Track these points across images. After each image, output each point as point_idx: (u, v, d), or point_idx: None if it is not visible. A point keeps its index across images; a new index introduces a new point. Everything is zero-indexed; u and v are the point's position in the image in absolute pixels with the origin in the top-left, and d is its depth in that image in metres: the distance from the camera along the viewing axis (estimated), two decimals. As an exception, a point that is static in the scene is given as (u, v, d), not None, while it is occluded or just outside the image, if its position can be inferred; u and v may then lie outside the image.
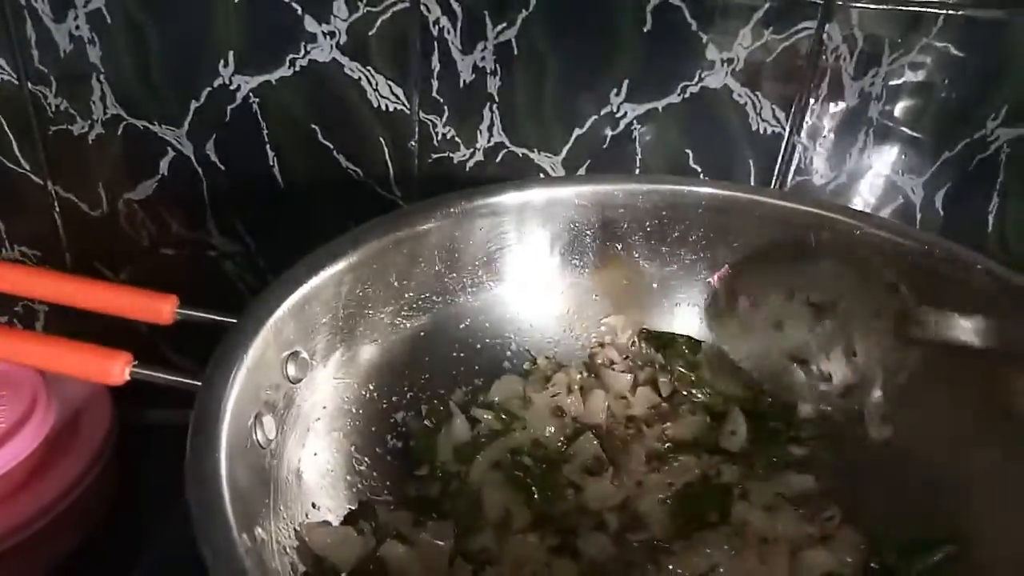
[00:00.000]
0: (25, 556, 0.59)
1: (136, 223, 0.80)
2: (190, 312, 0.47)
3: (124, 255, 0.82)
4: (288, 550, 0.42)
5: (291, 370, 0.47)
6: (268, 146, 0.77)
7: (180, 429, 0.60)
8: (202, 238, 0.82)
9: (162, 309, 0.46)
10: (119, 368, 0.41)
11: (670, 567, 0.46)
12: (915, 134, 0.74)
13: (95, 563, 0.63)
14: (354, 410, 0.52)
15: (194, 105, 0.74)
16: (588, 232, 0.61)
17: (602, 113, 0.73)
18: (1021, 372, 0.48)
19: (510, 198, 0.58)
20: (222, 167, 0.78)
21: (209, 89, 0.73)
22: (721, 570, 0.45)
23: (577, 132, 0.74)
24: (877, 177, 0.75)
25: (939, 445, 0.50)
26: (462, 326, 0.59)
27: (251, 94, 0.73)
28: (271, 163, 0.77)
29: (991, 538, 0.46)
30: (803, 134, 0.73)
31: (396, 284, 0.55)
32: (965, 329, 0.51)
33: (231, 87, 0.73)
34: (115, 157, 0.77)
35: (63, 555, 0.62)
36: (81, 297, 0.45)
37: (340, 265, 0.50)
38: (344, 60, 0.71)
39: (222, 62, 0.72)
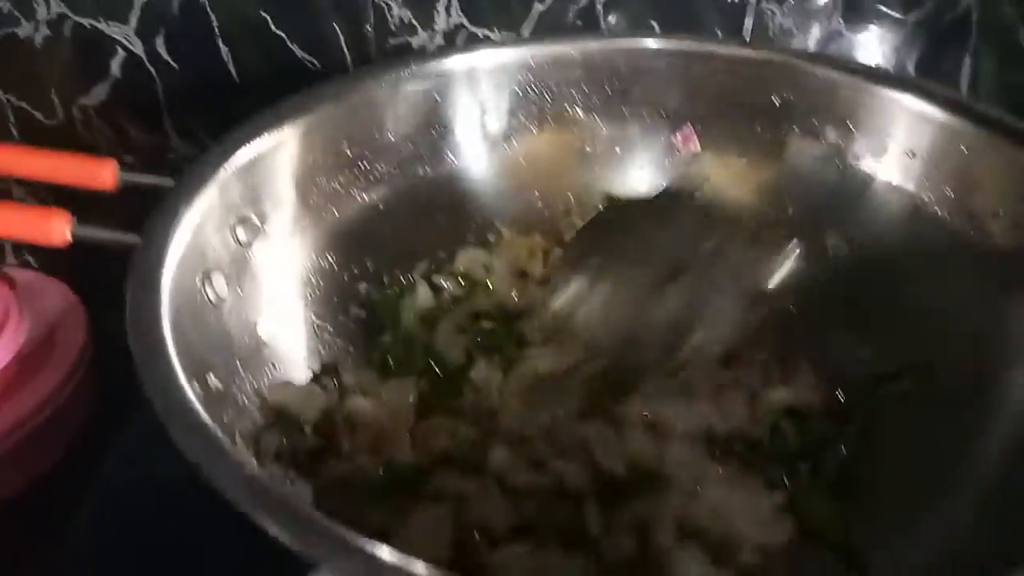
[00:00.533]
0: (3, 470, 0.59)
1: (93, 130, 0.78)
2: (133, 177, 0.46)
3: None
4: (248, 404, 0.42)
5: (241, 233, 0.46)
6: (220, 40, 0.74)
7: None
8: (161, 142, 0.80)
9: (103, 173, 0.45)
10: (60, 227, 0.41)
11: (636, 410, 0.46)
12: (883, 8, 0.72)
13: (76, 476, 0.63)
14: (313, 280, 0.52)
15: (139, 0, 0.72)
16: (547, 96, 0.60)
17: (565, -14, 0.71)
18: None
19: (461, 60, 0.57)
20: (175, 65, 0.76)
21: (153, -19, 0.70)
22: (676, 416, 0.45)
23: (539, 8, 0.72)
24: (847, 43, 0.73)
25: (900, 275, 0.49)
26: (422, 199, 0.58)
27: (197, -16, 0.71)
28: (225, 59, 0.76)
29: (953, 364, 0.46)
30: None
31: (349, 153, 0.54)
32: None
33: (175, -22, 0.71)
34: (64, 60, 0.75)
35: (43, 468, 0.63)
36: (21, 165, 0.44)
37: (286, 128, 0.49)
38: (293, -57, 0.68)
39: (164, -49, 0.69)
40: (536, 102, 0.60)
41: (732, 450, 0.45)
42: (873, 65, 0.69)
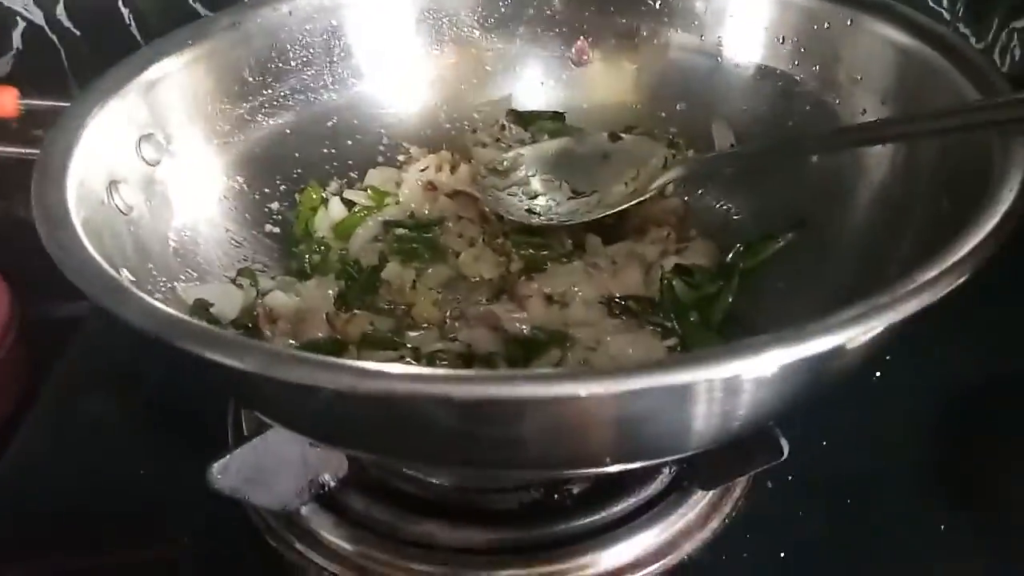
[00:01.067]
0: None
1: None
2: (34, 102, 0.48)
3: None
4: (163, 300, 0.44)
5: (146, 150, 0.49)
6: (121, 3, 0.76)
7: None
8: (71, 109, 0.81)
9: (3, 101, 0.46)
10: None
11: (534, 286, 0.49)
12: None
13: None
14: (224, 198, 0.54)
15: (34, -30, 0.72)
16: (444, 19, 0.63)
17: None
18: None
19: (356, -14, 0.60)
20: (77, 32, 0.77)
21: (47, -53, 0.71)
22: (575, 288, 0.49)
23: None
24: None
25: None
26: (329, 123, 0.61)
27: (93, -52, 0.72)
28: (126, 20, 0.77)
29: (832, 224, 0.50)
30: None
31: (250, 79, 0.56)
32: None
33: (71, -60, 0.72)
34: (-36, 34, 0.75)
35: None
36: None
37: (185, 53, 0.52)
38: None
39: (55, -85, 0.70)
40: (433, 24, 0.63)
41: (628, 308, 0.49)
42: None
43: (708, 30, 0.60)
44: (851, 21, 0.52)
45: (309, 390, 0.29)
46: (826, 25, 0.54)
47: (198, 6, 0.77)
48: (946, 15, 0.87)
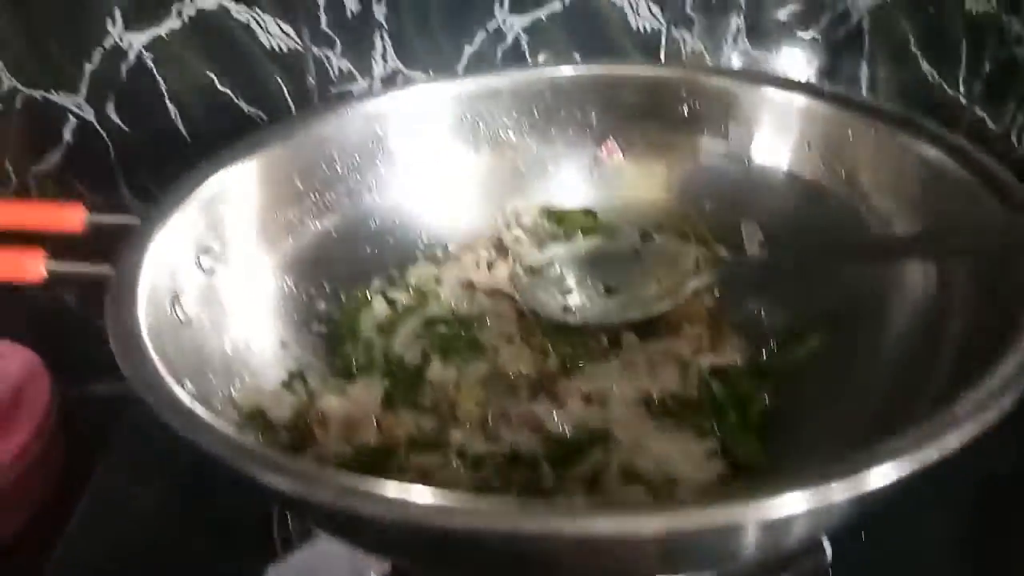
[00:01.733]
0: None
1: (48, 195, 0.83)
2: (100, 217, 0.51)
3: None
4: (221, 408, 0.47)
5: (204, 261, 0.52)
6: (168, 101, 0.80)
7: (126, 400, 0.64)
8: (117, 203, 0.85)
9: (71, 217, 0.50)
10: (34, 263, 0.46)
11: (572, 385, 0.52)
12: (782, 18, 0.81)
13: (45, 539, 0.64)
14: (274, 302, 0.57)
15: (88, 68, 0.77)
16: (480, 123, 0.67)
17: (490, 28, 0.78)
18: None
19: (398, 98, 0.64)
20: (126, 128, 0.81)
21: (101, 50, 0.76)
22: (614, 387, 0.51)
23: (468, 50, 0.80)
24: (752, 62, 0.82)
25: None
26: (372, 224, 0.65)
27: (143, 50, 0.77)
28: (174, 118, 0.81)
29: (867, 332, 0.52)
30: (679, 27, 0.80)
31: (299, 185, 0.60)
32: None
33: (123, 45, 0.76)
34: (16, 130, 0.79)
35: (10, 533, 0.66)
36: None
37: (239, 164, 0.55)
38: (231, 4, 0.75)
39: (109, 21, 0.75)
40: (471, 129, 0.67)
41: (667, 409, 0.51)
42: (762, 71, 0.78)
43: (736, 136, 0.63)
44: (874, 131, 0.55)
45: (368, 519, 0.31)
46: (850, 135, 0.57)
47: (242, 104, 0.81)
48: (963, 99, 0.90)
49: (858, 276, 0.53)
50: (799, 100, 0.60)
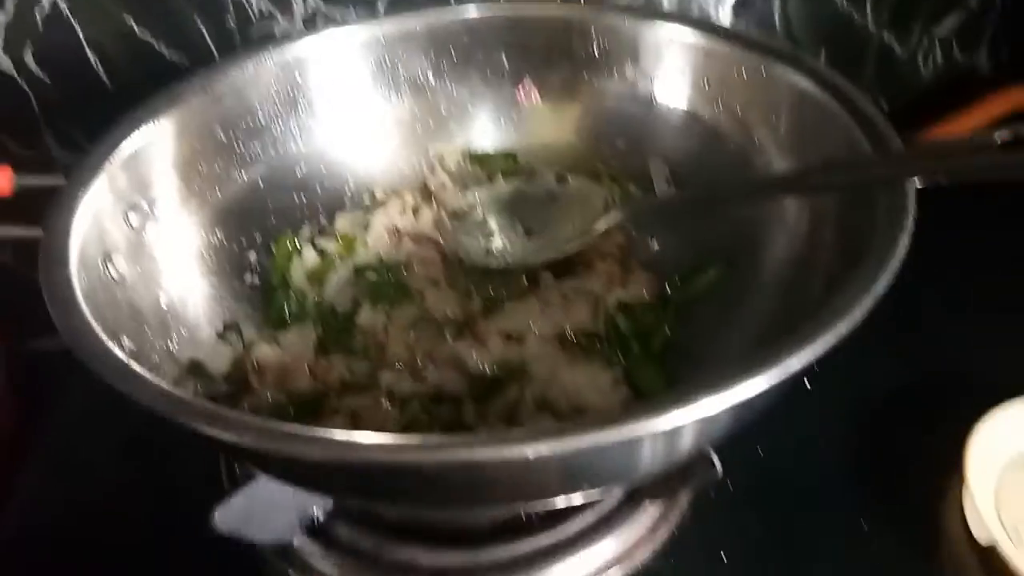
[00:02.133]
0: None
1: (-30, 149, 0.82)
2: (27, 180, 0.52)
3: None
4: (160, 362, 0.50)
5: (132, 219, 0.54)
6: (87, 48, 0.79)
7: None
8: (43, 154, 0.84)
9: (-1, 180, 0.51)
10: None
11: (493, 326, 0.56)
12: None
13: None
14: (205, 254, 0.59)
15: (2, 19, 0.76)
16: (399, 67, 0.68)
17: (414, -39, 0.79)
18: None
19: (317, 42, 0.65)
20: (46, 79, 0.80)
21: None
22: (531, 325, 0.56)
23: (391, -13, 0.80)
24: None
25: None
26: (298, 172, 0.66)
27: (59, -1, 0.76)
28: (95, 65, 0.80)
29: (756, 262, 0.57)
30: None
31: (222, 137, 0.61)
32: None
33: (37, -6, 0.75)
34: (-67, 83, 0.78)
35: None
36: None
37: (161, 120, 0.56)
38: (146, -54, 0.74)
39: (21, -32, 0.73)
40: (390, 73, 0.69)
41: (579, 344, 0.55)
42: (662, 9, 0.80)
43: (640, 76, 0.66)
44: (764, 70, 0.59)
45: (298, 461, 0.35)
46: (744, 72, 0.60)
47: (164, 49, 0.81)
48: (872, 26, 0.94)
49: (747, 212, 0.57)
50: (696, 38, 0.63)
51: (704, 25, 0.63)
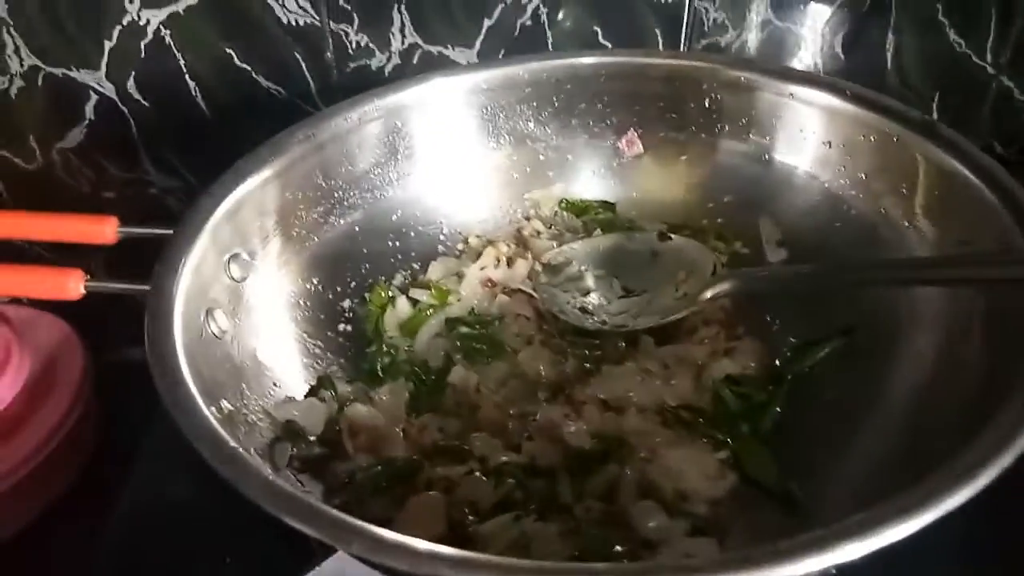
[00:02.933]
0: (13, 503, 0.64)
1: (73, 171, 0.84)
2: (131, 230, 0.52)
3: (67, 204, 0.86)
4: (257, 422, 0.49)
5: (234, 270, 0.53)
6: (187, 76, 0.80)
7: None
8: (140, 177, 0.86)
9: (105, 230, 0.51)
10: (74, 283, 0.47)
11: (589, 392, 0.54)
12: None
13: (86, 503, 0.68)
14: (301, 302, 0.59)
15: (108, 46, 0.77)
16: (500, 114, 0.67)
17: (509, 1, 0.77)
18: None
19: (419, 91, 0.64)
20: (146, 104, 0.82)
21: (119, 27, 0.76)
22: (631, 394, 0.53)
23: (487, 23, 0.79)
24: (777, 30, 0.81)
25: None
26: (394, 217, 0.66)
27: (161, 27, 0.77)
28: (193, 93, 0.81)
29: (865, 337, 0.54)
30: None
31: (323, 184, 0.61)
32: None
33: (141, 22, 0.76)
34: (40, 108, 0.80)
35: (53, 498, 0.67)
36: (24, 227, 0.51)
37: (264, 171, 0.56)
38: (247, -21, 0.74)
39: (127, -1, 0.75)
40: (491, 120, 0.68)
41: (681, 419, 0.53)
42: (788, 67, 0.77)
43: (756, 132, 0.63)
44: (897, 138, 0.55)
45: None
46: (872, 137, 0.57)
47: (260, 79, 0.81)
48: (990, 69, 0.89)
49: (876, 295, 0.54)
50: (820, 97, 0.60)
51: (827, 84, 0.59)
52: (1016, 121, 0.94)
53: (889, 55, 0.84)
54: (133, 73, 0.79)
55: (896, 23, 0.82)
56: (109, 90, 0.80)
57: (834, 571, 0.39)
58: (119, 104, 0.81)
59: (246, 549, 0.57)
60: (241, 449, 0.38)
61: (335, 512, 0.34)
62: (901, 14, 0.81)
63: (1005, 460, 0.34)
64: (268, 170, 0.57)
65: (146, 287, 0.47)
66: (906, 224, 0.55)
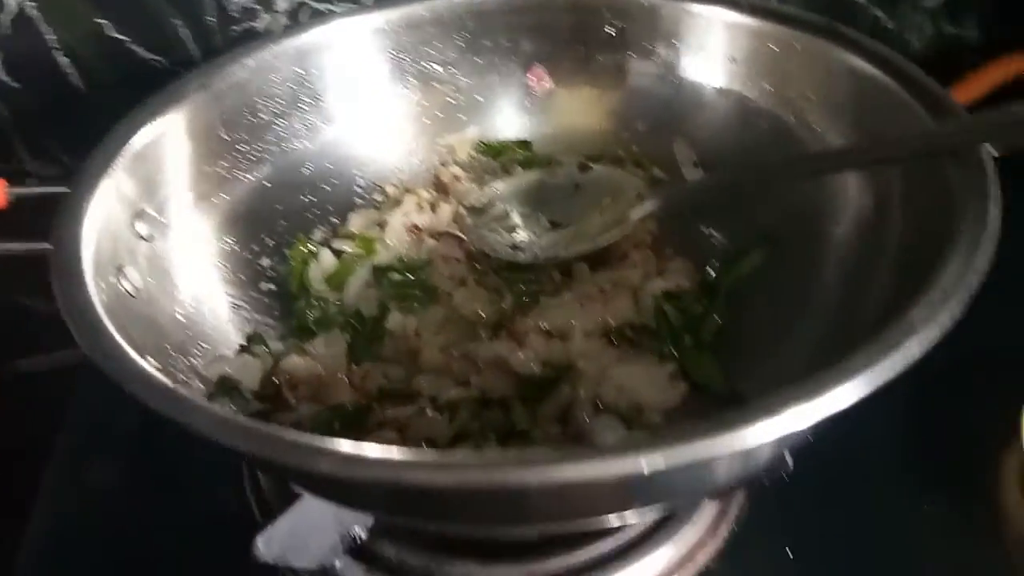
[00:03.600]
0: None
1: (-61, 160, 0.77)
2: (23, 190, 0.48)
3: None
4: (186, 380, 0.46)
5: (141, 228, 0.50)
6: (59, 52, 0.74)
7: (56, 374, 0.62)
8: (16, 167, 0.79)
9: (-8, 192, 0.47)
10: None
11: (530, 322, 0.53)
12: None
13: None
14: (218, 263, 0.56)
15: (-32, 25, 0.71)
16: (404, 58, 0.65)
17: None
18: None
19: (317, 34, 0.61)
20: (16, 84, 0.75)
21: (-21, 4, 0.70)
22: (572, 321, 0.53)
23: (379, -22, 0.77)
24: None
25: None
26: (305, 170, 0.63)
27: (26, 0, 0.71)
28: (66, 70, 0.76)
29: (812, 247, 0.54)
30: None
31: (226, 136, 0.57)
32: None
33: (1, -4, 0.70)
34: None
35: None
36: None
37: (159, 121, 0.52)
38: (117, -57, 0.69)
39: (-14, -30, 0.68)
40: (395, 63, 0.65)
41: (626, 337, 0.53)
42: None
43: (662, 55, 0.63)
44: (797, 43, 0.57)
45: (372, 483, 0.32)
46: (774, 47, 0.58)
47: (139, 50, 0.76)
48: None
49: (795, 192, 0.55)
50: (720, 13, 0.61)
51: (727, 0, 0.60)
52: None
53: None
54: (-1, 54, 0.73)
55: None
56: (-25, 73, 0.73)
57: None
58: (-13, 87, 0.74)
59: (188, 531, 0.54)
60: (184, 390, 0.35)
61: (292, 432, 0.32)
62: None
63: (933, 332, 0.34)
64: (164, 120, 0.53)
65: (47, 245, 0.43)
66: (818, 129, 0.56)
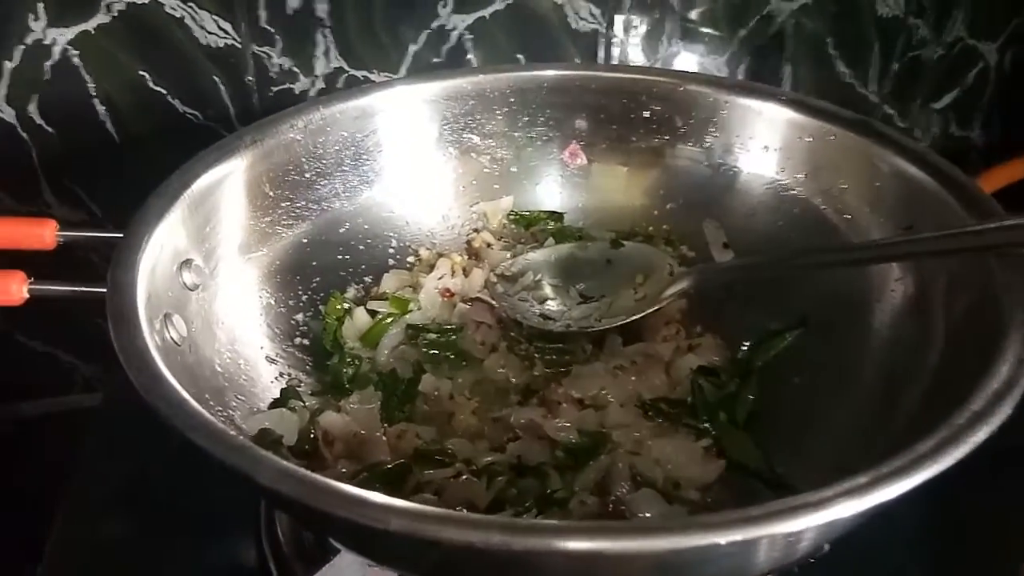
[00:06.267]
0: None
1: (-35, 200, 0.77)
2: (73, 233, 0.48)
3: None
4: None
5: (187, 277, 0.50)
6: (96, 100, 0.76)
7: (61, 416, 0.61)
8: (40, 210, 0.80)
9: (44, 233, 0.47)
10: (17, 286, 0.43)
11: (562, 391, 0.53)
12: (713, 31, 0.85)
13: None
14: (255, 316, 0.56)
15: (8, 66, 0.72)
16: (445, 128, 0.67)
17: (433, 26, 0.78)
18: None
19: (367, 100, 0.63)
20: (50, 129, 0.76)
21: (23, 47, 0.71)
22: (605, 391, 0.53)
23: (413, 48, 0.79)
24: (685, 61, 0.86)
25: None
26: (342, 230, 0.64)
27: (69, 47, 0.73)
28: (102, 118, 0.77)
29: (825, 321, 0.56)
30: (617, 29, 0.82)
31: (270, 192, 0.58)
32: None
33: (46, 42, 0.72)
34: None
35: None
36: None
37: (215, 172, 0.53)
38: (163, -2, 0.72)
39: (31, 16, 0.70)
40: (437, 131, 0.67)
41: (661, 411, 0.53)
42: (722, 76, 0.81)
43: (695, 141, 0.65)
44: (834, 137, 0.59)
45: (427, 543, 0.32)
46: (807, 138, 0.61)
47: (176, 103, 0.78)
48: (874, 97, 0.97)
49: (834, 276, 0.56)
50: (757, 105, 0.63)
51: (761, 91, 0.63)
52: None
53: (787, 82, 0.91)
54: (36, 96, 0.74)
55: (792, 55, 0.89)
56: (8, 115, 0.74)
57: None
58: (19, 129, 0.75)
59: None
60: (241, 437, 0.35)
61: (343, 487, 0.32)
62: (797, 48, 0.89)
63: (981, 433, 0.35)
64: (216, 172, 0.54)
65: (96, 288, 0.44)
66: (848, 217, 0.58)
